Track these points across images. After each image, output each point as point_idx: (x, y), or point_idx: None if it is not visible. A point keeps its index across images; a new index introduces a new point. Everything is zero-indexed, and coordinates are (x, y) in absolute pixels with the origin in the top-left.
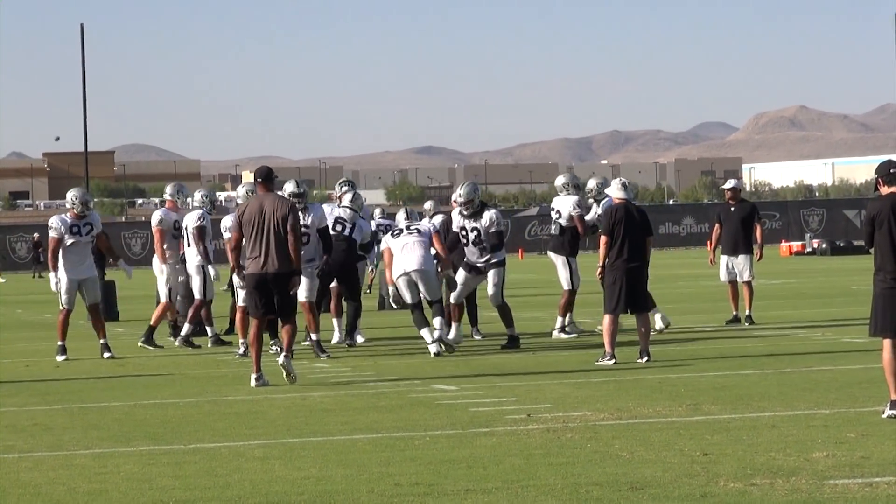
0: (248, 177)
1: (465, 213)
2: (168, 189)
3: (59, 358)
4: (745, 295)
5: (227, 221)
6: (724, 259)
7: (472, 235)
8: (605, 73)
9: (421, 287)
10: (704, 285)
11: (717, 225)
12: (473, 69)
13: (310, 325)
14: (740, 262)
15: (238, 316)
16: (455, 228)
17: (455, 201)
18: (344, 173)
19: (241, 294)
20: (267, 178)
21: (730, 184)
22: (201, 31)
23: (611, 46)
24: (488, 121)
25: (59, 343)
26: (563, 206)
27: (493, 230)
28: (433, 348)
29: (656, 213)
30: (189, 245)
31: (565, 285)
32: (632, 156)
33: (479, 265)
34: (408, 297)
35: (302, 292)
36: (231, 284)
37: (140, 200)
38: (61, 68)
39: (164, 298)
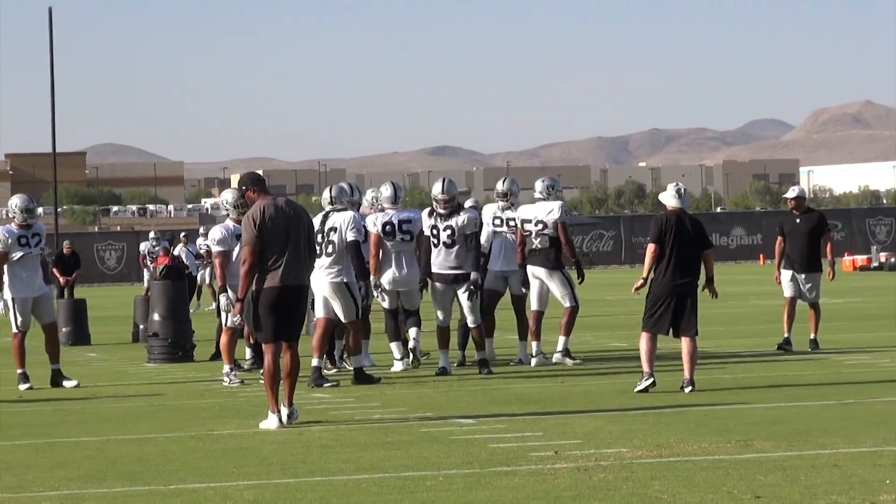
0: (236, 180)
1: (441, 211)
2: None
3: (22, 387)
4: (811, 317)
5: (217, 233)
6: (786, 273)
7: (444, 235)
8: (644, 65)
9: (402, 298)
10: (756, 305)
11: (779, 238)
12: (493, 60)
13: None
14: (808, 282)
15: (224, 339)
16: (425, 230)
17: (434, 198)
18: (347, 177)
19: (227, 315)
20: (263, 182)
21: (793, 192)
22: (184, 16)
23: (649, 34)
24: (511, 118)
25: (20, 371)
26: (547, 214)
27: (468, 232)
28: (399, 366)
29: (702, 222)
30: None
31: (567, 302)
32: (674, 157)
33: (446, 273)
34: (387, 303)
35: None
36: (219, 305)
37: (115, 208)
38: (27, 58)
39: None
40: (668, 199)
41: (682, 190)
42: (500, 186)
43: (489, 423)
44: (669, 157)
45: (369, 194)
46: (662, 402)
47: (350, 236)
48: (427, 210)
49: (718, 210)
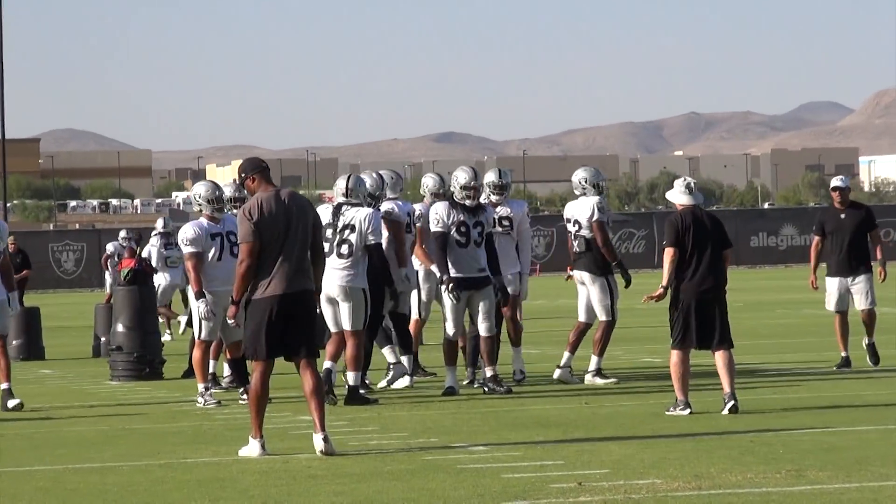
0: (212, 171)
1: (469, 204)
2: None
3: None
4: (865, 322)
5: (189, 231)
6: (832, 282)
7: (475, 233)
8: (680, 40)
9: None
10: (809, 314)
11: (816, 238)
12: (507, 34)
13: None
14: (857, 286)
15: (197, 354)
16: (440, 227)
17: (464, 187)
18: (339, 167)
19: (202, 325)
20: (266, 170)
21: (839, 182)
22: None
23: (685, 4)
24: (527, 101)
25: None
26: (582, 211)
27: (489, 230)
28: (404, 379)
29: (747, 219)
30: None
31: (604, 316)
32: (715, 145)
33: (467, 277)
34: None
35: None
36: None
37: (73, 203)
38: None
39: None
40: (678, 196)
41: (693, 184)
42: (493, 178)
43: (503, 449)
44: (709, 145)
45: (430, 181)
46: (701, 427)
47: (371, 238)
48: (445, 203)
49: (766, 206)
